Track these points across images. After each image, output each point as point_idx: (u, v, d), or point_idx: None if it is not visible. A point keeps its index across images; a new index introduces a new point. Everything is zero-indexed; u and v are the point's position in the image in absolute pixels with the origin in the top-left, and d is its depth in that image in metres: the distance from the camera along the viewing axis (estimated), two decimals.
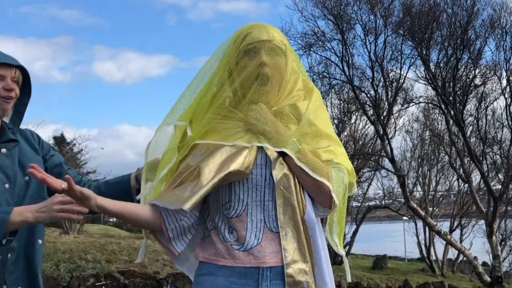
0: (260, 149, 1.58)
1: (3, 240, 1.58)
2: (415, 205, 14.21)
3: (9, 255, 1.71)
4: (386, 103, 13.78)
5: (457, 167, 15.41)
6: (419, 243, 18.21)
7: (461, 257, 17.32)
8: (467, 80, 12.89)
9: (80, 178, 1.97)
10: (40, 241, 1.83)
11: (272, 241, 1.55)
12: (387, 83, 13.46)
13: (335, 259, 16.13)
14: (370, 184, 18.29)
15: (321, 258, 1.59)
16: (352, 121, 16.49)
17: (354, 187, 1.66)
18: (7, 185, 1.73)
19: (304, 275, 1.55)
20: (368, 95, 14.00)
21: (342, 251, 1.74)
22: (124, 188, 1.94)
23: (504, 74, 12.99)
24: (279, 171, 1.56)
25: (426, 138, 17.69)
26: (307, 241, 1.57)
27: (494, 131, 14.53)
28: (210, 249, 1.60)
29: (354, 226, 17.41)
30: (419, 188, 18.35)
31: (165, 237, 1.61)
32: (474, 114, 13.69)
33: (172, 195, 1.56)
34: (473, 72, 12.89)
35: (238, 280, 1.55)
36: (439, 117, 16.19)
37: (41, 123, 26.20)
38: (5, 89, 1.73)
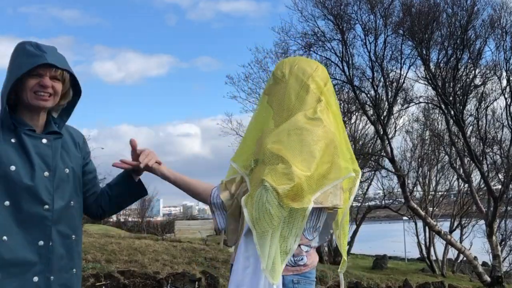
0: None
1: None
2: (415, 205, 14.21)
3: (50, 243, 1.78)
4: (386, 103, 13.78)
5: (457, 167, 15.41)
6: (419, 243, 18.21)
7: (461, 257, 17.33)
8: (467, 80, 12.89)
9: (100, 188, 2.13)
10: (74, 237, 1.90)
11: None
12: (387, 83, 13.46)
13: (335, 260, 16.15)
14: (370, 184, 18.30)
15: (236, 267, 1.71)
16: (352, 121, 16.49)
17: (294, 213, 1.59)
18: (46, 173, 1.80)
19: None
20: (368, 95, 14.00)
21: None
22: (129, 184, 2.09)
23: (504, 74, 13.00)
24: (243, 187, 1.83)
25: (426, 138, 17.69)
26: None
27: (494, 131, 14.53)
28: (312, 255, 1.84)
29: (354, 226, 17.41)
30: (419, 188, 18.37)
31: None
32: (474, 114, 13.69)
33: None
34: (473, 72, 12.90)
35: None
36: (439, 117, 16.20)
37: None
38: (40, 85, 1.81)
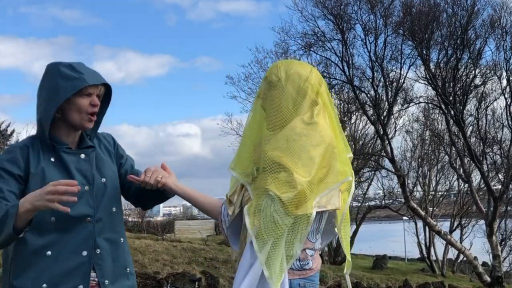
0: None
1: (22, 232, 1.73)
2: (415, 205, 14.21)
3: (97, 250, 1.89)
4: (386, 103, 13.78)
5: (457, 167, 15.41)
6: (419, 243, 18.21)
7: (461, 257, 17.33)
8: (467, 80, 12.89)
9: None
10: (122, 239, 2.01)
11: None
12: (387, 83, 13.46)
13: (335, 260, 16.16)
14: (370, 184, 18.30)
15: (239, 275, 1.69)
16: (352, 121, 16.50)
17: (299, 219, 1.62)
18: (87, 187, 1.90)
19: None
20: (368, 95, 14.00)
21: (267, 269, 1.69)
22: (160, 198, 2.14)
23: (504, 74, 13.00)
24: (245, 196, 1.79)
25: (426, 138, 17.69)
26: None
27: (494, 131, 14.53)
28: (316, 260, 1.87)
29: (354, 226, 17.41)
30: (419, 188, 18.36)
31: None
32: (474, 114, 13.68)
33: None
34: (473, 72, 12.90)
35: None
36: (439, 117, 16.20)
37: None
38: (91, 105, 1.91)
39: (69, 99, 1.85)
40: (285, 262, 1.62)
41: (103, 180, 1.95)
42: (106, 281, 1.88)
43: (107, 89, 2.02)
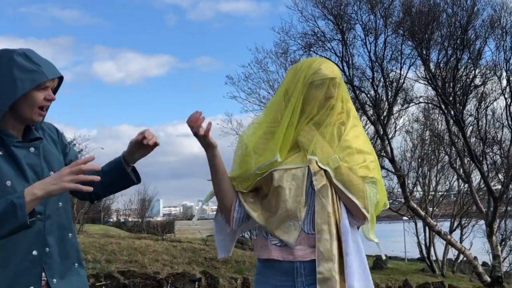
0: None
1: (29, 221, 1.65)
2: (415, 205, 14.21)
3: (46, 249, 1.80)
4: (386, 103, 13.79)
5: (457, 167, 15.41)
6: (419, 243, 18.21)
7: (461, 257, 17.32)
8: (467, 80, 12.89)
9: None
10: (70, 235, 1.91)
11: (306, 242, 1.83)
12: (387, 83, 13.47)
13: None
14: None
15: (351, 260, 1.79)
16: None
17: (387, 203, 2.01)
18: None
19: (332, 273, 1.76)
20: (368, 95, 14.00)
21: (375, 240, 2.08)
22: (121, 174, 2.05)
23: (504, 74, 13.00)
24: (319, 182, 1.83)
25: (426, 138, 17.68)
26: (339, 244, 1.80)
27: (494, 131, 14.53)
28: (257, 246, 1.94)
29: None
30: (419, 188, 18.36)
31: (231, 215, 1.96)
32: (474, 114, 13.69)
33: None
34: (473, 72, 12.90)
35: (280, 278, 1.86)
36: (439, 117, 16.20)
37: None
38: (46, 99, 1.81)
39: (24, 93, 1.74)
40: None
41: (51, 173, 1.83)
42: (54, 280, 1.80)
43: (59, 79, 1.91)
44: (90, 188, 1.66)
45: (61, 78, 1.89)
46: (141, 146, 1.97)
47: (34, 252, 1.77)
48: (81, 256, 1.99)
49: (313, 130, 1.91)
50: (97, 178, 1.67)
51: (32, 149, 1.82)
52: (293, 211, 1.83)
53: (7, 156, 1.76)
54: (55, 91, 1.90)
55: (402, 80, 13.58)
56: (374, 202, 1.87)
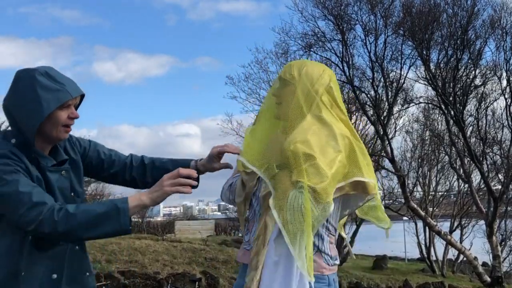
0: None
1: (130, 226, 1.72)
2: (415, 205, 14.21)
3: (64, 273, 1.81)
4: (386, 104, 13.79)
5: (457, 167, 15.41)
6: (419, 243, 18.21)
7: (461, 257, 17.33)
8: (467, 80, 12.89)
9: (124, 157, 2.15)
10: (77, 247, 1.90)
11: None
12: (387, 84, 13.47)
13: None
14: None
15: (266, 273, 1.70)
16: (352, 121, 16.47)
17: (326, 207, 1.65)
18: None
19: (250, 283, 1.71)
20: (368, 95, 14.00)
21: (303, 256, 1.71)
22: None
23: (504, 74, 12.99)
24: (262, 191, 1.80)
25: (426, 138, 17.69)
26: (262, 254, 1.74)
27: (494, 131, 14.53)
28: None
29: (354, 226, 17.41)
30: (419, 188, 18.36)
31: None
32: (474, 114, 13.68)
33: None
34: (473, 72, 12.89)
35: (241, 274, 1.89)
36: (439, 117, 16.20)
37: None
38: (70, 118, 1.82)
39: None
40: (311, 252, 1.65)
41: (72, 194, 1.89)
42: None
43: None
44: (190, 191, 1.76)
45: (82, 95, 1.91)
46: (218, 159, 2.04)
47: (54, 276, 1.78)
48: (89, 263, 2.00)
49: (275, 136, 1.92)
50: (194, 183, 1.76)
51: (63, 173, 1.86)
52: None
53: (42, 180, 1.78)
54: (76, 107, 1.92)
55: (402, 80, 13.59)
56: (291, 209, 1.65)
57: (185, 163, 2.09)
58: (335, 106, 1.87)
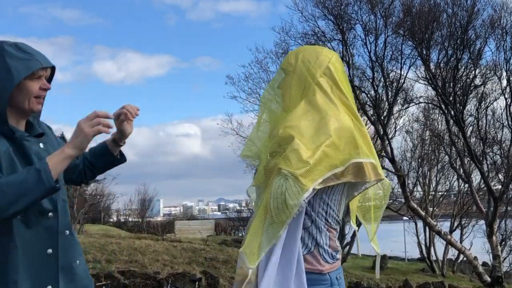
0: None
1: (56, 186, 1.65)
2: (415, 205, 14.21)
3: (58, 248, 1.78)
4: (386, 103, 13.79)
5: (457, 167, 15.41)
6: (419, 243, 18.22)
7: (461, 257, 17.33)
8: (467, 80, 12.89)
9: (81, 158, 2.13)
10: (67, 232, 1.85)
11: None
12: (387, 83, 13.47)
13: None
14: None
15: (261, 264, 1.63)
16: None
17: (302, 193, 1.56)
18: None
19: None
20: (368, 95, 14.01)
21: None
22: (114, 160, 2.12)
23: (504, 74, 12.99)
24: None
25: (426, 138, 17.69)
26: None
27: (494, 131, 14.53)
28: None
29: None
30: (419, 188, 18.38)
31: None
32: (474, 114, 13.69)
33: None
34: (473, 72, 12.89)
35: None
36: (439, 117, 16.21)
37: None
38: (42, 89, 1.80)
39: (19, 82, 1.72)
40: (272, 242, 1.59)
41: None
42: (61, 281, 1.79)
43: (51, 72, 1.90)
44: (109, 130, 1.71)
45: (53, 69, 1.88)
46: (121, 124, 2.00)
47: (49, 251, 1.76)
48: (81, 252, 1.96)
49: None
50: (111, 123, 1.73)
51: (41, 145, 1.83)
52: None
53: (19, 150, 1.75)
54: (48, 81, 1.88)
55: (402, 80, 13.59)
56: (274, 197, 1.59)
57: (104, 149, 2.10)
58: (335, 88, 1.79)
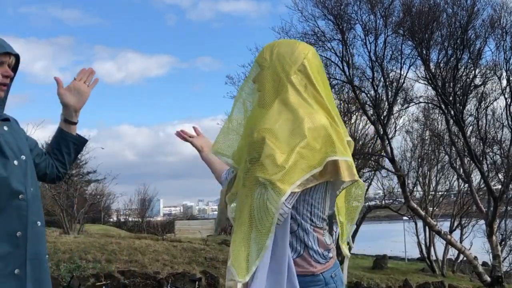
0: None
1: None
2: (415, 205, 14.22)
3: (28, 231, 1.76)
4: (386, 103, 13.79)
5: (457, 167, 15.41)
6: (419, 243, 18.21)
7: (461, 257, 17.32)
8: (467, 80, 12.89)
9: (43, 151, 2.09)
10: (39, 223, 1.85)
11: None
12: (387, 83, 13.47)
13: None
14: (370, 184, 18.28)
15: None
16: (352, 121, 16.48)
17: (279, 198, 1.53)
18: (16, 162, 1.77)
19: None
20: (368, 95, 14.01)
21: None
22: (75, 140, 2.11)
23: (504, 74, 13.00)
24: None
25: (426, 138, 17.69)
26: None
27: (494, 131, 14.53)
28: None
29: (354, 226, 17.38)
30: (419, 188, 18.36)
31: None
32: (474, 114, 13.69)
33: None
34: (473, 72, 12.90)
35: None
36: (439, 117, 16.21)
37: (41, 123, 26.29)
38: (4, 76, 1.80)
39: None
40: (257, 253, 1.57)
41: (23, 157, 1.82)
42: (28, 266, 1.75)
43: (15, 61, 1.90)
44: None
45: (18, 59, 1.88)
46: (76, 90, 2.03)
47: (19, 233, 1.74)
48: (45, 247, 1.94)
49: None
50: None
51: (6, 128, 1.82)
52: None
53: None
54: (13, 70, 1.88)
55: (402, 80, 13.60)
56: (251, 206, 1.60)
57: (61, 134, 2.09)
58: (309, 86, 1.71)
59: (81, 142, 2.13)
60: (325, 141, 1.60)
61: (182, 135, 2.26)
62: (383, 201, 19.05)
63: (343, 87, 14.82)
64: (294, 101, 1.66)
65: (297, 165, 1.55)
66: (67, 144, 2.07)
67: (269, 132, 1.59)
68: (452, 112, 12.76)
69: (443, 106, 13.25)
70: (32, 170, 1.86)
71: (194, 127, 2.29)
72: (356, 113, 16.23)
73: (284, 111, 1.64)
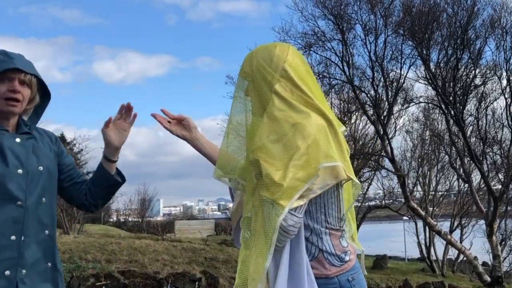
0: None
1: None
2: (415, 205, 14.22)
3: (23, 237, 1.81)
4: (386, 103, 13.79)
5: (457, 167, 15.41)
6: (419, 243, 18.22)
7: (461, 257, 17.33)
8: (467, 80, 12.89)
9: (83, 179, 2.16)
10: (47, 232, 1.91)
11: None
12: (387, 83, 13.47)
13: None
14: (370, 184, 18.30)
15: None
16: (352, 121, 16.49)
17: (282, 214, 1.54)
18: (20, 171, 1.84)
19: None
20: (368, 95, 14.01)
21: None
22: (109, 179, 2.13)
23: (504, 74, 13.01)
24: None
25: (426, 138, 17.70)
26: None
27: (494, 131, 14.54)
28: None
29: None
30: (419, 188, 18.38)
31: None
32: (474, 114, 13.69)
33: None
34: (473, 72, 12.90)
35: None
36: (439, 117, 16.22)
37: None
38: (10, 91, 1.84)
39: None
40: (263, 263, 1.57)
41: (40, 168, 1.91)
42: (24, 271, 1.81)
43: (44, 84, 1.97)
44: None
45: (41, 82, 1.94)
46: (118, 128, 2.09)
47: (13, 237, 1.79)
48: (58, 258, 1.99)
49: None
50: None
51: (18, 140, 1.89)
52: None
53: None
54: (46, 95, 1.97)
55: (402, 80, 13.60)
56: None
57: (99, 165, 2.14)
58: (295, 89, 1.66)
59: (116, 181, 2.14)
60: (315, 148, 1.57)
61: (159, 120, 2.06)
62: (383, 201, 19.06)
63: (343, 87, 14.83)
64: (280, 115, 1.62)
65: (296, 177, 1.54)
66: (102, 182, 2.12)
67: (262, 151, 1.58)
68: (452, 112, 12.76)
69: (443, 106, 13.25)
70: (47, 182, 1.93)
71: (162, 110, 2.09)
72: (356, 113, 16.24)
73: (273, 126, 1.62)
